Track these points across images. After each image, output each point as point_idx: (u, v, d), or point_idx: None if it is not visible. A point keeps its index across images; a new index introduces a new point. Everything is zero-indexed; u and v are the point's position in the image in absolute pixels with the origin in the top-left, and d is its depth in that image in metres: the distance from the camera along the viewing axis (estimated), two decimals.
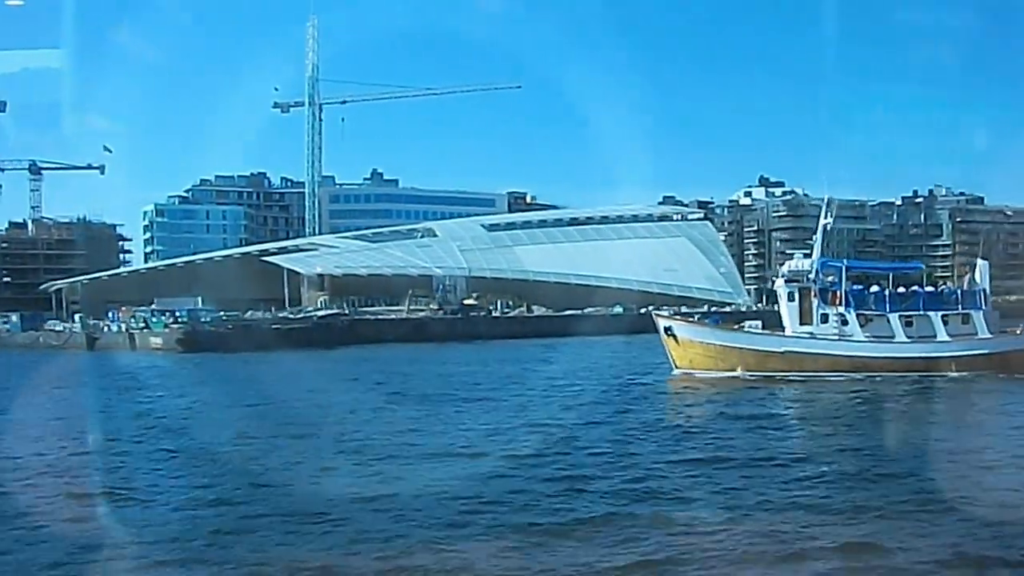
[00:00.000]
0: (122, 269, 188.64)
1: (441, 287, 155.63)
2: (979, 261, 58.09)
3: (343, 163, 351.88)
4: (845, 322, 53.96)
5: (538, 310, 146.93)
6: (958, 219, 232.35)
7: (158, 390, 60.63)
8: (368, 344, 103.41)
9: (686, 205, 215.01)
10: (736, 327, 60.89)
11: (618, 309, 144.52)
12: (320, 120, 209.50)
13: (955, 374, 51.84)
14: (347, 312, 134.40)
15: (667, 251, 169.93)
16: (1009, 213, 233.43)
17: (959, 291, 56.00)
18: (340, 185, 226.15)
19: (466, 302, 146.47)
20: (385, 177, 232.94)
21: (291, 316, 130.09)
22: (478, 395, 51.54)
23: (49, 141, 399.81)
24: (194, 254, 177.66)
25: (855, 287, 55.80)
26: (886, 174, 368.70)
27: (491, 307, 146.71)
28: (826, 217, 59.97)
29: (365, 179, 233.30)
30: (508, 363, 77.40)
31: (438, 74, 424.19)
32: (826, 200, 65.00)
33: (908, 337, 53.98)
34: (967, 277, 57.51)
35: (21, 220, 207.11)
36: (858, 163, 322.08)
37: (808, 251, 59.57)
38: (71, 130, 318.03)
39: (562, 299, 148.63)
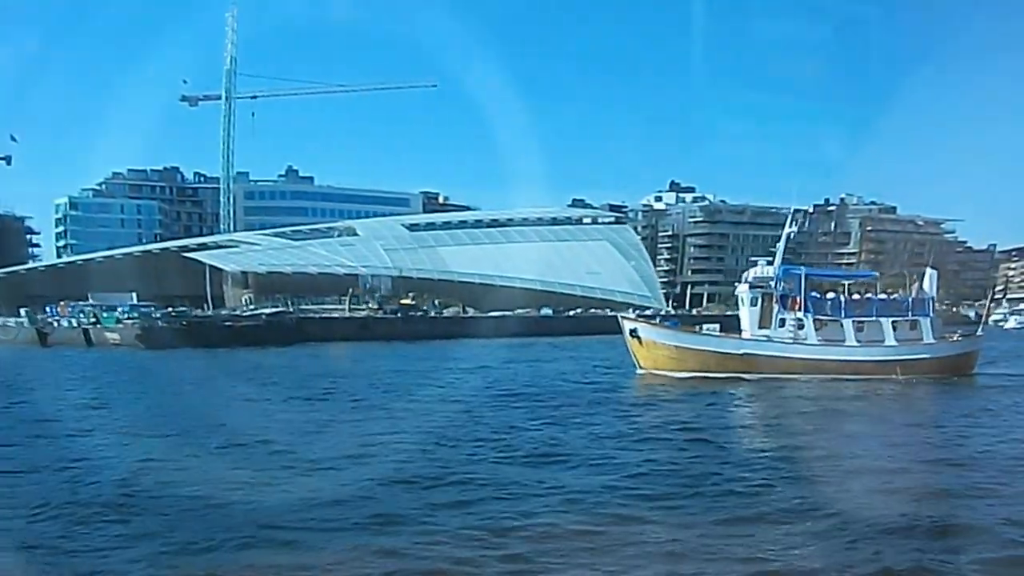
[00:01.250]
0: (38, 263, 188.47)
1: (367, 286, 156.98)
2: (928, 270, 62.31)
3: (255, 159, 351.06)
4: (801, 326, 58.06)
5: (468, 311, 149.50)
6: (868, 228, 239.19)
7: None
8: (316, 342, 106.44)
9: (596, 208, 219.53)
10: (695, 330, 65.18)
11: (547, 311, 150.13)
12: (234, 114, 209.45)
13: (900, 377, 55.65)
14: (292, 311, 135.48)
15: (589, 254, 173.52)
16: (920, 223, 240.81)
17: (910, 299, 60.52)
18: (255, 182, 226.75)
19: (403, 302, 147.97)
20: (300, 175, 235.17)
21: (242, 314, 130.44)
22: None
23: None
24: (108, 248, 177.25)
25: (813, 294, 59.65)
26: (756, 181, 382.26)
27: (426, 307, 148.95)
28: (790, 226, 64.67)
29: (280, 176, 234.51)
30: (472, 360, 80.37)
31: (351, 71, 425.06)
32: (792, 210, 69.89)
33: (859, 341, 58.62)
34: (915, 285, 62.11)
35: None
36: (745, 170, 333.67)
37: (770, 258, 63.65)
38: None
39: (487, 300, 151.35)
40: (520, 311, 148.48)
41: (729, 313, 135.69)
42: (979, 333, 64.73)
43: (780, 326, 58.95)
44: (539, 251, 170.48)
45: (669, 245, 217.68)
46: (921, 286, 61.31)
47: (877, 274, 76.54)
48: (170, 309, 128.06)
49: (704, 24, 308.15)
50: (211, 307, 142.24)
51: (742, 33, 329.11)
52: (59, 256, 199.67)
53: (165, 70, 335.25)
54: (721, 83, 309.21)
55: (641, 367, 60.99)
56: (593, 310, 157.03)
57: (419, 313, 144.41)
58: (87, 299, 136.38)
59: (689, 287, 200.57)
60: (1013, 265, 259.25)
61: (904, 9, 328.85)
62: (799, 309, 58.70)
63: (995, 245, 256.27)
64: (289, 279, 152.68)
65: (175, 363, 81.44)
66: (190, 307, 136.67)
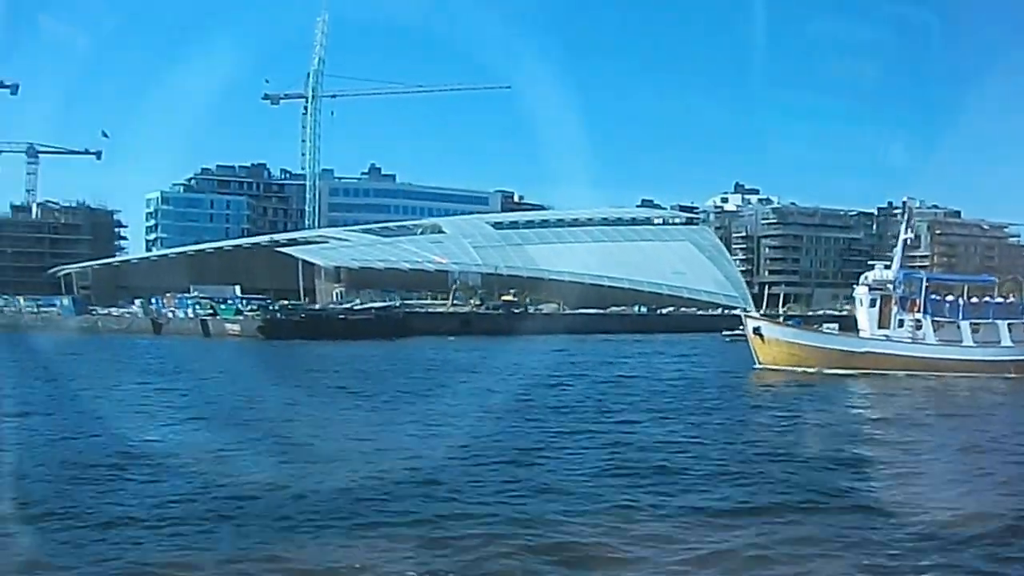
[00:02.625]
0: (132, 256, 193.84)
1: (457, 282, 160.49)
2: None
3: (337, 157, 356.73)
4: (919, 327, 61.80)
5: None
6: (937, 231, 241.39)
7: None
8: (420, 336, 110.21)
9: (664, 208, 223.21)
10: (816, 329, 69.40)
11: (643, 309, 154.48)
12: (319, 113, 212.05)
13: (1013, 376, 59.30)
14: (398, 306, 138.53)
15: (672, 254, 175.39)
16: (985, 227, 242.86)
17: None
18: (339, 179, 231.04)
19: (504, 298, 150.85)
20: (382, 172, 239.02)
21: (355, 308, 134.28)
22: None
23: (44, 125, 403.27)
24: (197, 242, 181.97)
25: (932, 296, 63.65)
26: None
27: (526, 304, 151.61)
28: (906, 232, 68.73)
29: (363, 173, 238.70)
30: (589, 355, 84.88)
31: (429, 72, 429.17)
32: (908, 214, 73.97)
33: (975, 342, 62.25)
34: None
35: (21, 203, 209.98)
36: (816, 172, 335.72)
37: (887, 262, 67.55)
38: (67, 115, 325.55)
39: (575, 298, 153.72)
40: (614, 309, 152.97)
41: (811, 313, 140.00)
42: None
43: (899, 326, 62.35)
44: (623, 250, 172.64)
45: (743, 246, 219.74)
46: None
47: (996, 279, 79.52)
48: (285, 302, 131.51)
49: (765, 25, 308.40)
50: (302, 301, 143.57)
51: (802, 34, 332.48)
52: (149, 249, 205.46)
53: (246, 69, 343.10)
54: (781, 84, 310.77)
55: (760, 362, 64.22)
56: (683, 309, 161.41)
57: (518, 310, 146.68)
58: (189, 291, 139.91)
59: (766, 287, 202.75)
60: None
61: (967, 10, 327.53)
62: (918, 311, 62.15)
63: None
64: (380, 274, 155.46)
65: (312, 353, 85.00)
66: (284, 301, 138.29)
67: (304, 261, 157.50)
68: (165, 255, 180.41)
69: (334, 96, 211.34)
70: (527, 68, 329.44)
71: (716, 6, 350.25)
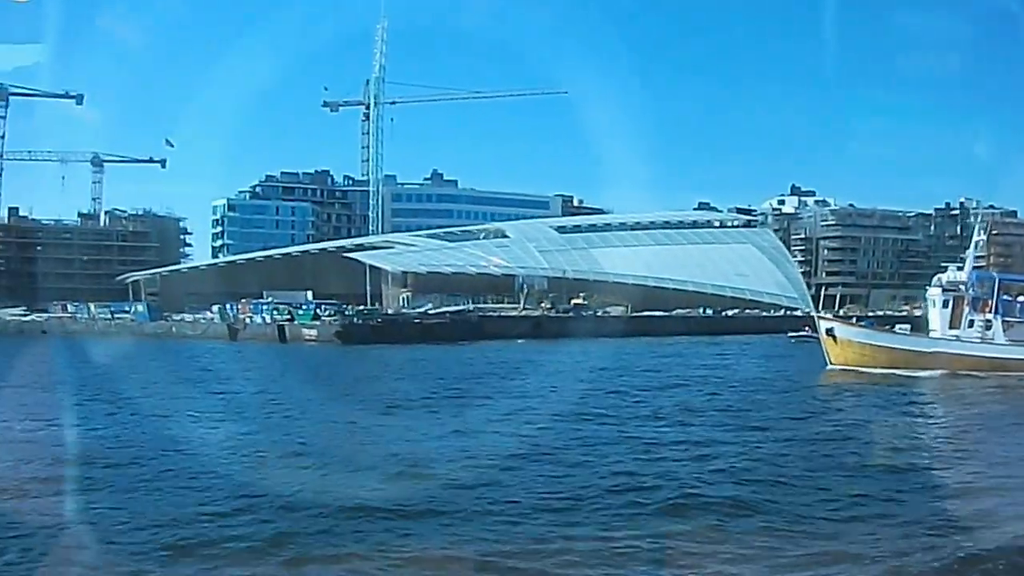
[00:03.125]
0: (200, 262, 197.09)
1: (523, 286, 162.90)
2: None
3: (396, 163, 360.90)
4: (989, 327, 63.68)
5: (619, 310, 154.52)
6: (994, 231, 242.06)
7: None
8: (493, 340, 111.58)
9: (720, 211, 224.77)
10: (888, 330, 71.25)
11: (709, 311, 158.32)
12: (381, 119, 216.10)
13: None
14: (471, 310, 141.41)
15: (736, 257, 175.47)
16: None
17: None
18: (401, 185, 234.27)
19: (575, 302, 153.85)
20: (444, 178, 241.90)
21: (428, 312, 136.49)
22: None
23: (108, 135, 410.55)
24: (262, 249, 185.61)
25: (1004, 297, 65.66)
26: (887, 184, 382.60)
27: (595, 307, 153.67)
28: (979, 234, 70.94)
29: (425, 179, 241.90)
30: (665, 355, 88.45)
31: (487, 78, 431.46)
32: (979, 217, 76.10)
33: None
34: None
35: (89, 211, 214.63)
36: (871, 172, 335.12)
37: (959, 264, 69.59)
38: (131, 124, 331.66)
39: (640, 300, 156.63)
40: (679, 311, 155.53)
41: (869, 314, 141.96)
42: None
43: (969, 326, 64.21)
44: (685, 252, 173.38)
45: (802, 248, 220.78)
46: None
47: None
48: (361, 308, 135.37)
49: (834, 21, 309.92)
50: (372, 306, 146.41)
51: (868, 31, 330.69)
52: (215, 256, 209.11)
53: (305, 77, 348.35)
54: (841, 84, 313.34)
55: (832, 363, 66.19)
56: (747, 311, 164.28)
57: (587, 312, 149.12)
58: (261, 296, 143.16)
59: (823, 289, 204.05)
60: None
61: None
62: (989, 311, 64.06)
63: None
64: (447, 279, 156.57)
65: (396, 358, 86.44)
66: (360, 306, 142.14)
67: (371, 266, 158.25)
68: (233, 261, 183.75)
69: (393, 103, 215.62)
70: (584, 73, 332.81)
71: (764, 8, 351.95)
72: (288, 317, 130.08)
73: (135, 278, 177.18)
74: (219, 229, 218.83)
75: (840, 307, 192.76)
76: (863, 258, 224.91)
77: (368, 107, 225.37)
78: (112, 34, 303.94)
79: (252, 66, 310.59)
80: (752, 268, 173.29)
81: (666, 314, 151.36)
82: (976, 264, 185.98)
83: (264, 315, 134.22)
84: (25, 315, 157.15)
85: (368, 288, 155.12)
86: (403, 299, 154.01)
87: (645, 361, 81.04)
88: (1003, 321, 63.91)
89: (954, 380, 59.31)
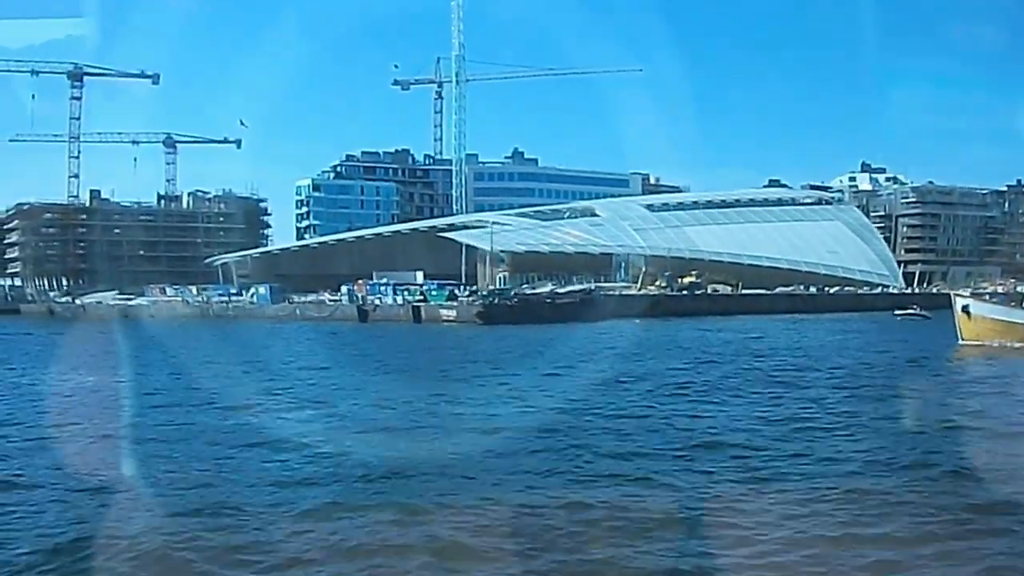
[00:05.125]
0: (288, 243, 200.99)
1: (622, 265, 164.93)
2: None
3: (471, 141, 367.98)
4: None
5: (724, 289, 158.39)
6: None
7: None
8: (617, 319, 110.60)
9: (792, 188, 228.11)
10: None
11: (812, 289, 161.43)
12: (464, 97, 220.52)
13: None
14: (592, 289, 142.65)
15: (826, 234, 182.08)
16: None
17: None
18: (483, 163, 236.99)
19: (688, 280, 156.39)
20: (525, 156, 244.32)
21: (559, 292, 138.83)
22: None
23: (180, 115, 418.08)
24: (348, 229, 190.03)
25: None
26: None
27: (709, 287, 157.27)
28: None
29: (506, 157, 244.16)
30: (797, 334, 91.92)
31: (562, 55, 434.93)
32: None
33: None
34: None
35: (164, 193, 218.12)
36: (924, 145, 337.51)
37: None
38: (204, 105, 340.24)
39: (738, 279, 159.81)
40: (782, 288, 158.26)
41: (945, 292, 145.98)
42: None
43: None
44: (777, 230, 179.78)
45: (881, 225, 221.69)
46: None
47: None
48: (493, 288, 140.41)
49: None
50: (465, 285, 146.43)
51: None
52: (300, 237, 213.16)
53: (376, 56, 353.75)
54: (901, 53, 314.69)
55: (964, 339, 68.07)
56: (847, 288, 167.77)
57: (699, 291, 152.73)
58: (371, 276, 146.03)
59: (903, 266, 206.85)
60: None
61: None
62: None
63: None
64: (544, 258, 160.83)
65: (547, 337, 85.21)
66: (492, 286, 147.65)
67: (467, 245, 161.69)
68: (324, 242, 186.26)
69: (467, 80, 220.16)
70: (657, 51, 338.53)
71: None
72: (421, 298, 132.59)
73: (224, 260, 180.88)
74: (304, 210, 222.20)
75: (920, 284, 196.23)
76: (942, 235, 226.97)
77: (440, 85, 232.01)
78: (185, 12, 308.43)
79: (322, 45, 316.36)
80: (842, 245, 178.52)
81: (772, 292, 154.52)
82: None
83: (396, 296, 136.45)
84: (129, 299, 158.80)
85: (464, 267, 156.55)
86: (500, 279, 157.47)
87: (785, 338, 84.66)
88: None
89: None
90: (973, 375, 51.09)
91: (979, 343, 65.93)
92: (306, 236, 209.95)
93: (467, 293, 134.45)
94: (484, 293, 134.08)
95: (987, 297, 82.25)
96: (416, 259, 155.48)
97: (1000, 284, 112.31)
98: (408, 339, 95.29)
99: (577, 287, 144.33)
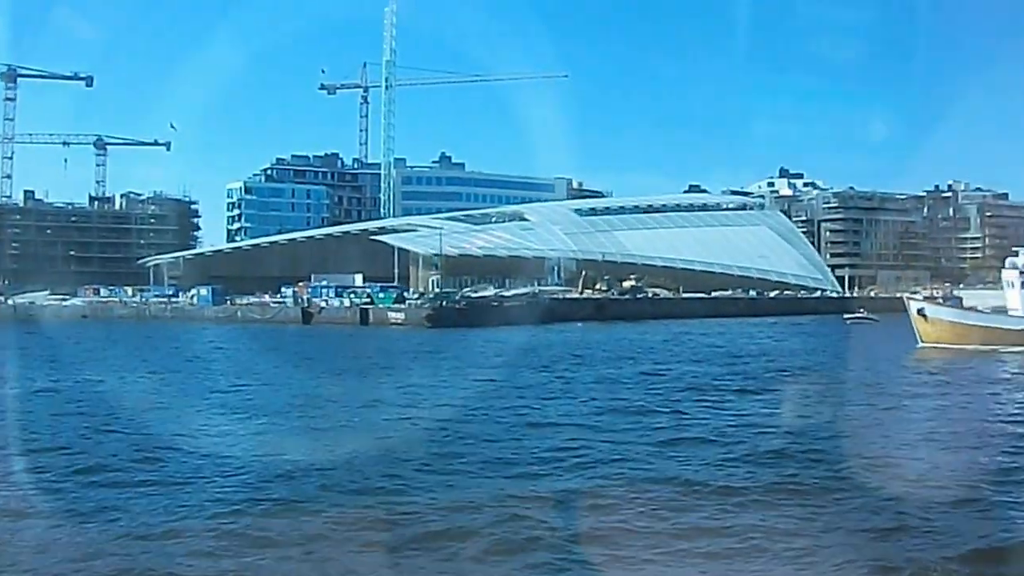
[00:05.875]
0: (224, 245, 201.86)
1: (554, 269, 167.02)
2: None
3: (400, 145, 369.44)
4: None
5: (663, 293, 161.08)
6: (988, 214, 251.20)
7: None
8: (562, 322, 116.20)
9: (711, 193, 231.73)
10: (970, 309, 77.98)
11: (752, 293, 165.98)
12: (393, 103, 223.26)
13: None
14: (536, 292, 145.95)
15: (754, 239, 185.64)
16: None
17: None
18: (411, 167, 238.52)
19: (627, 284, 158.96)
20: (452, 161, 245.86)
21: (504, 295, 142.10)
22: None
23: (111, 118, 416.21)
24: (279, 232, 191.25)
25: None
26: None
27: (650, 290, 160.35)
28: None
29: (434, 162, 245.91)
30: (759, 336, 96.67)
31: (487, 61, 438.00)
32: None
33: None
34: None
35: (98, 194, 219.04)
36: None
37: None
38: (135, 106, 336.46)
39: (671, 283, 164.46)
40: (722, 293, 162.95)
41: (887, 296, 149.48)
42: None
43: None
44: (705, 235, 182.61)
45: (804, 230, 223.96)
46: None
47: None
48: (439, 292, 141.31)
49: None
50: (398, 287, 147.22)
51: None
52: (231, 239, 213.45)
53: (305, 61, 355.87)
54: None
55: (923, 341, 72.67)
56: (787, 292, 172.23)
57: (640, 295, 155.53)
58: (309, 279, 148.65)
59: (832, 271, 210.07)
60: None
61: None
62: None
63: None
64: (478, 261, 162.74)
65: (509, 341, 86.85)
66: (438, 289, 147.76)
67: (400, 248, 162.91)
68: (257, 244, 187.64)
69: (396, 85, 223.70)
70: (584, 57, 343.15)
71: None
72: (368, 300, 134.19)
73: (157, 261, 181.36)
74: (235, 212, 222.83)
75: (849, 288, 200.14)
76: (866, 240, 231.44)
77: (366, 89, 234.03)
78: (117, 16, 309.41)
79: (252, 49, 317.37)
80: (771, 250, 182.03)
81: (713, 296, 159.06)
82: (972, 246, 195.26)
83: (343, 299, 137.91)
84: (64, 299, 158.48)
85: (396, 270, 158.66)
86: (432, 282, 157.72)
87: (741, 342, 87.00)
88: None
89: None
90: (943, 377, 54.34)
91: (939, 345, 70.26)
92: (237, 238, 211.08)
93: (416, 296, 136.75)
94: (431, 296, 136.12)
95: (941, 300, 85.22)
96: (349, 262, 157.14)
97: (936, 288, 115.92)
98: (364, 343, 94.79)
99: (521, 291, 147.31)
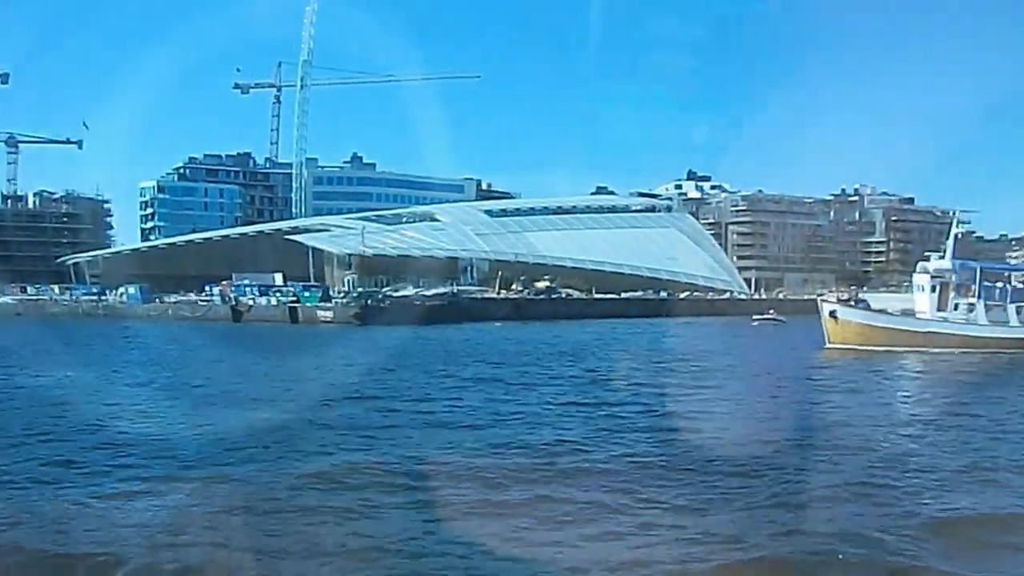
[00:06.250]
0: (138, 244, 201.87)
1: (467, 269, 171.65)
2: None
3: (313, 145, 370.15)
4: (972, 309, 74.87)
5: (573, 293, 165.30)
6: (893, 218, 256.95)
7: None
8: (480, 321, 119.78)
9: (619, 195, 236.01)
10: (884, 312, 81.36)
11: (664, 294, 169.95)
12: (308, 102, 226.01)
13: None
14: (455, 292, 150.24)
15: (664, 241, 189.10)
16: (938, 213, 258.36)
17: None
18: (323, 167, 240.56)
19: (541, 284, 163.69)
20: (363, 161, 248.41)
21: (426, 295, 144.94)
22: None
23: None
24: (192, 231, 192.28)
25: (985, 283, 76.61)
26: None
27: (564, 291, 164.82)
28: (956, 227, 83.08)
29: (345, 162, 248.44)
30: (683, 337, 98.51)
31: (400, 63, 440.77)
32: (955, 213, 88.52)
33: (1020, 323, 75.21)
34: None
35: (10, 192, 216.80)
36: None
37: (940, 253, 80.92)
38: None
39: (582, 284, 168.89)
40: (627, 294, 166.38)
41: (807, 297, 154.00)
42: None
43: (954, 309, 75.22)
44: (615, 236, 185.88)
45: (712, 232, 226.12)
46: None
47: None
48: (362, 290, 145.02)
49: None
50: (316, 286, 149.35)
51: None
52: (145, 238, 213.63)
53: (221, 60, 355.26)
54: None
55: (831, 342, 75.61)
56: (696, 294, 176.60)
57: (555, 295, 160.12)
58: (222, 278, 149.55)
59: (739, 273, 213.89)
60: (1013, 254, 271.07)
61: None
62: (973, 296, 75.17)
63: (1006, 234, 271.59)
64: (392, 261, 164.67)
65: (437, 338, 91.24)
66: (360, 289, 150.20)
67: (314, 248, 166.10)
68: (173, 243, 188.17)
69: (308, 86, 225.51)
70: (495, 59, 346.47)
71: None
72: (294, 299, 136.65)
73: (76, 260, 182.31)
74: (149, 211, 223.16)
75: (755, 290, 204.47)
76: (773, 243, 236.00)
77: (279, 89, 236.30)
78: (31, 14, 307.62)
79: (166, 48, 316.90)
80: (680, 252, 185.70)
81: (624, 297, 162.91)
82: (876, 250, 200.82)
83: (270, 297, 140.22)
84: None
85: (312, 270, 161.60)
86: (347, 282, 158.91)
87: (667, 342, 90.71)
88: (985, 304, 74.93)
89: (944, 356, 67.91)
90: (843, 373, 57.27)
91: (845, 346, 73.45)
92: (152, 237, 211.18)
93: (341, 295, 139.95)
94: (355, 295, 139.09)
95: (852, 303, 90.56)
96: (264, 261, 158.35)
97: (843, 291, 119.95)
98: (314, 341, 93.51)
99: (441, 290, 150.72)
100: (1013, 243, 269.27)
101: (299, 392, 44.39)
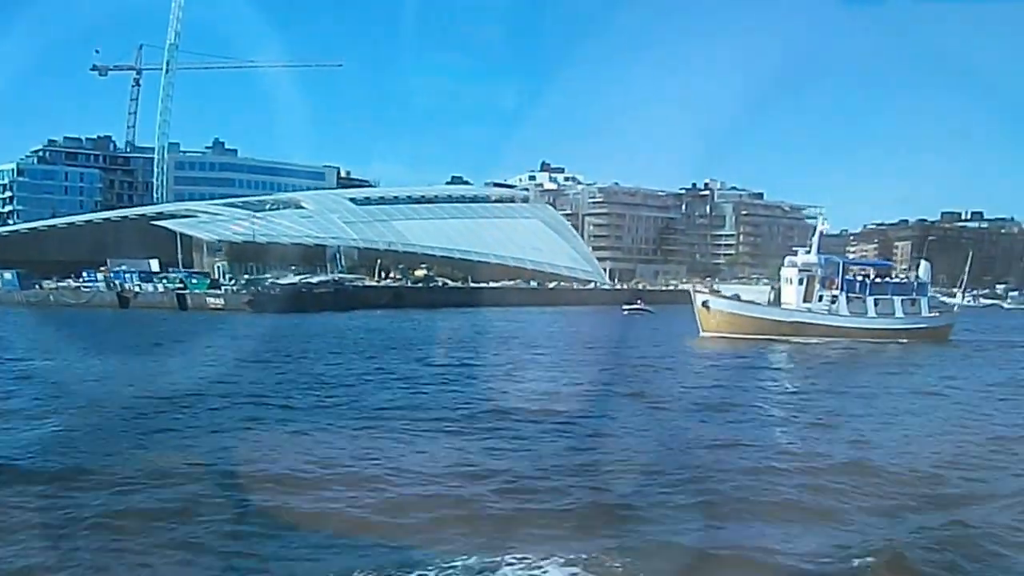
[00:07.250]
0: (1, 228, 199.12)
1: (335, 257, 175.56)
2: (923, 262, 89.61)
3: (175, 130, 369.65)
4: (835, 301, 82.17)
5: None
6: (743, 212, 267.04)
7: None
8: (363, 309, 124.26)
9: (473, 185, 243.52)
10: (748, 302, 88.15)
11: (534, 283, 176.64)
12: (172, 87, 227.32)
13: (904, 341, 79.63)
14: (339, 280, 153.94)
15: (526, 231, 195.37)
16: (787, 209, 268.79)
17: (915, 282, 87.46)
18: (184, 152, 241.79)
19: (419, 273, 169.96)
20: (226, 147, 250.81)
21: (313, 282, 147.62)
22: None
23: None
24: (52, 216, 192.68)
25: (847, 277, 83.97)
26: None
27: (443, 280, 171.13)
28: (823, 224, 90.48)
29: (207, 148, 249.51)
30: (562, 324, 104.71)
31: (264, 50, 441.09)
32: (822, 211, 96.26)
33: (877, 314, 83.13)
34: (913, 273, 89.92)
35: None
36: None
37: (807, 248, 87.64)
38: None
39: (449, 272, 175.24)
40: (505, 283, 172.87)
41: (669, 288, 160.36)
42: (956, 310, 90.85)
43: (819, 300, 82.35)
44: (478, 226, 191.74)
45: (569, 223, 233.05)
46: (918, 274, 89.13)
47: (894, 263, 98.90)
48: (249, 277, 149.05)
49: None
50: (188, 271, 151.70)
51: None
52: (3, 223, 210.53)
53: (82, 43, 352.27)
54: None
55: (704, 330, 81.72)
56: (563, 284, 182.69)
57: (432, 284, 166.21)
58: (106, 263, 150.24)
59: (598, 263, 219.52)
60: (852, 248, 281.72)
61: None
62: (836, 288, 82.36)
63: (846, 230, 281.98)
64: (261, 248, 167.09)
65: (346, 325, 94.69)
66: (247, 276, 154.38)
67: (182, 234, 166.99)
68: (35, 228, 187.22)
69: (173, 70, 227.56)
70: (356, 46, 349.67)
71: None
72: (181, 286, 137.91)
73: None
74: (8, 195, 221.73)
75: (612, 281, 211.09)
76: (627, 234, 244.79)
77: (139, 72, 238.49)
78: None
79: (23, 27, 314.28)
80: (543, 242, 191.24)
81: (499, 285, 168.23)
82: (727, 243, 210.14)
83: (157, 284, 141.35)
84: None
85: (180, 256, 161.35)
86: (217, 268, 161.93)
87: (548, 330, 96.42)
88: (847, 296, 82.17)
89: (807, 344, 73.98)
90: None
91: (716, 334, 79.71)
92: (9, 222, 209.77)
93: (232, 283, 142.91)
94: (242, 283, 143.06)
95: (724, 294, 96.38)
96: (129, 247, 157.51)
97: (698, 282, 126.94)
98: (207, 328, 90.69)
99: (326, 278, 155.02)
100: (851, 238, 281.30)
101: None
